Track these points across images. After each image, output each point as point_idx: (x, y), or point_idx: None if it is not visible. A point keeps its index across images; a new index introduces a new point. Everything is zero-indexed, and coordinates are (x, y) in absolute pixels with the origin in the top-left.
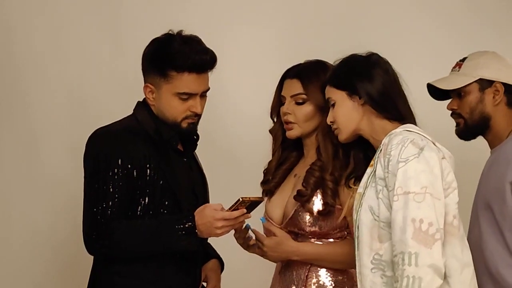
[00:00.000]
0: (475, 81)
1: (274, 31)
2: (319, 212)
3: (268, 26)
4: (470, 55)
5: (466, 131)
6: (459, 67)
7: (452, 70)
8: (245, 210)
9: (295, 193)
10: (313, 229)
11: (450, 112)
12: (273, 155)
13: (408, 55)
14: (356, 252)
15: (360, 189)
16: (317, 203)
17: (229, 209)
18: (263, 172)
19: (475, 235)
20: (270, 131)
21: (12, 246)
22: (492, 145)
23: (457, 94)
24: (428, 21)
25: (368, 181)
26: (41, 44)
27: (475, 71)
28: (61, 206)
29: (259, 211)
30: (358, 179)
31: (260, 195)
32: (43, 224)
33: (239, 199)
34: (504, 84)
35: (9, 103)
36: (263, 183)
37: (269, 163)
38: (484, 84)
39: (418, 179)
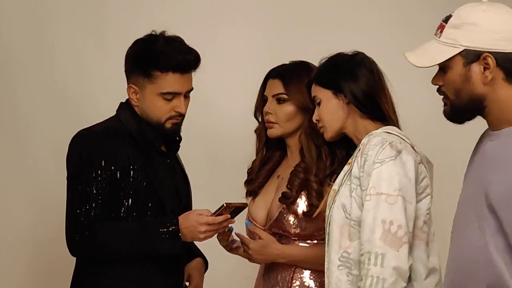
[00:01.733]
0: (459, 53)
1: (259, 31)
2: (304, 213)
3: (253, 26)
4: (457, 10)
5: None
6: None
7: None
8: (229, 216)
9: (278, 195)
10: (297, 231)
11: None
12: (256, 154)
13: (395, 55)
14: (326, 248)
15: (335, 186)
16: (302, 205)
17: (213, 214)
18: (247, 171)
19: (471, 237)
20: (255, 130)
21: None
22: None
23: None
24: (416, 21)
25: (344, 179)
26: (26, 45)
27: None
28: (45, 206)
29: (243, 214)
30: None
31: (244, 201)
32: (26, 225)
33: (223, 205)
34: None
35: None
36: (246, 183)
37: (253, 162)
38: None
39: (391, 182)
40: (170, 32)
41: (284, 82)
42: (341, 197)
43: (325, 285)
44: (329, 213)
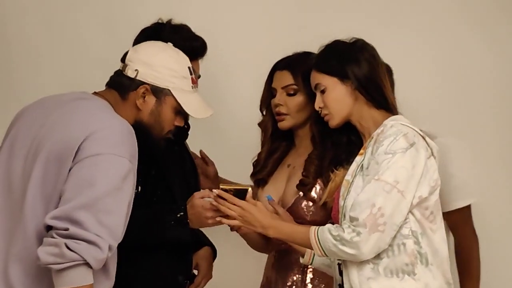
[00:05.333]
0: None
1: (261, 22)
2: (321, 200)
3: (260, 18)
4: None
5: None
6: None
7: None
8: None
9: (291, 183)
10: (314, 218)
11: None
12: (262, 147)
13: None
14: None
15: (348, 176)
16: (319, 192)
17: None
18: (253, 164)
19: None
20: (259, 124)
21: None
22: None
23: None
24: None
25: (357, 169)
26: (35, 37)
27: None
28: None
29: None
30: (340, 163)
31: (247, 184)
32: None
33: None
34: None
35: (3, 96)
36: (253, 174)
37: (259, 154)
38: None
39: (394, 172)
40: (181, 20)
41: (293, 73)
42: (356, 188)
43: (343, 275)
44: (343, 204)
